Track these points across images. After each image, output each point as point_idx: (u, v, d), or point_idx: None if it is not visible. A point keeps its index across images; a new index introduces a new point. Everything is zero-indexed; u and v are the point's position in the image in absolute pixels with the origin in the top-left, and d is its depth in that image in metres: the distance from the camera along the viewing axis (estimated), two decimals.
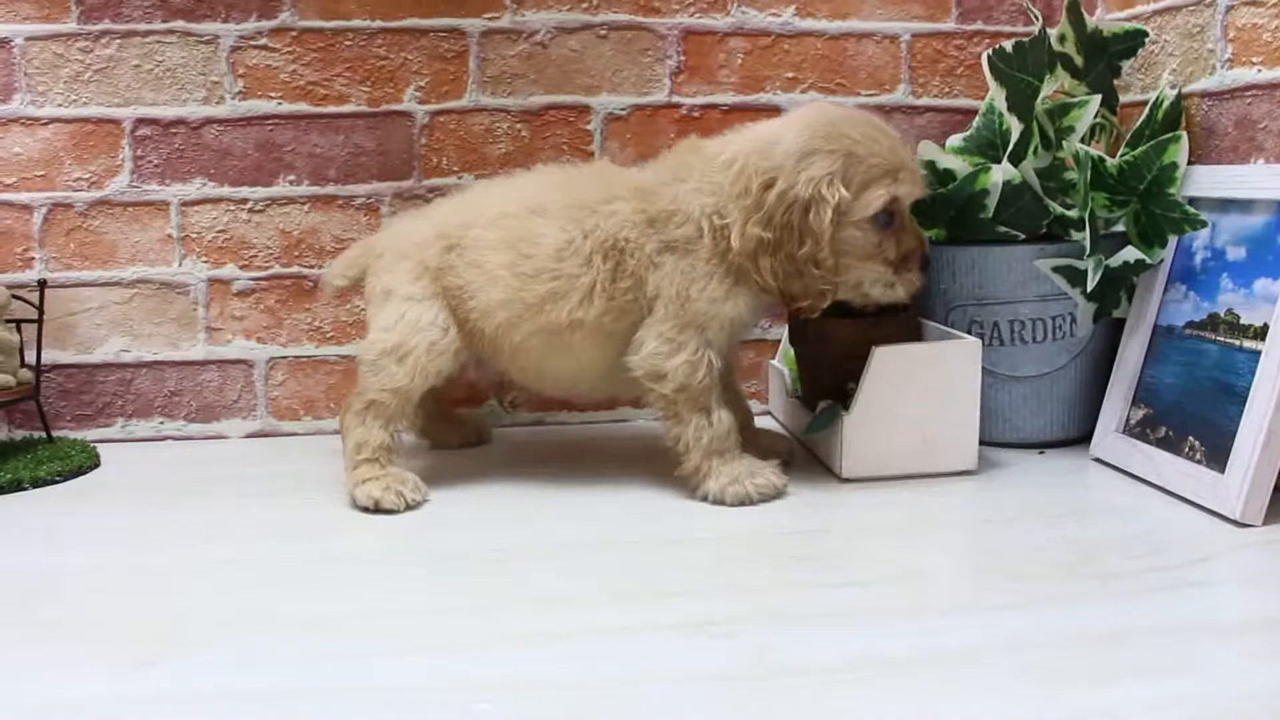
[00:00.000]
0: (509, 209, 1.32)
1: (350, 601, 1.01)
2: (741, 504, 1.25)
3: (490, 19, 1.59)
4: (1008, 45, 1.37)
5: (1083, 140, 1.41)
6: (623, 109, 1.63)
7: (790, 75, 1.65)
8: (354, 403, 1.33)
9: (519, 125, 1.61)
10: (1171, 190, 1.31)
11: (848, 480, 1.35)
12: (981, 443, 1.43)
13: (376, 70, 1.58)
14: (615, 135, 1.63)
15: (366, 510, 1.25)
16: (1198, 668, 0.85)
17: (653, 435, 1.47)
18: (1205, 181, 1.35)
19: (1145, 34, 1.47)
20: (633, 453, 1.51)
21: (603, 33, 1.61)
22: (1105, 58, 1.47)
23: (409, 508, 1.26)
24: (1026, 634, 0.92)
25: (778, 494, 1.27)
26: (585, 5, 1.60)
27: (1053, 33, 1.43)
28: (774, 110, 1.64)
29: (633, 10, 1.61)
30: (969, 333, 1.42)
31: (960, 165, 1.41)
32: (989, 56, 1.37)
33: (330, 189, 1.59)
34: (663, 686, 0.83)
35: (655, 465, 1.37)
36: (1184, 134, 1.31)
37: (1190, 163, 1.38)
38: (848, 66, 1.66)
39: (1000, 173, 1.36)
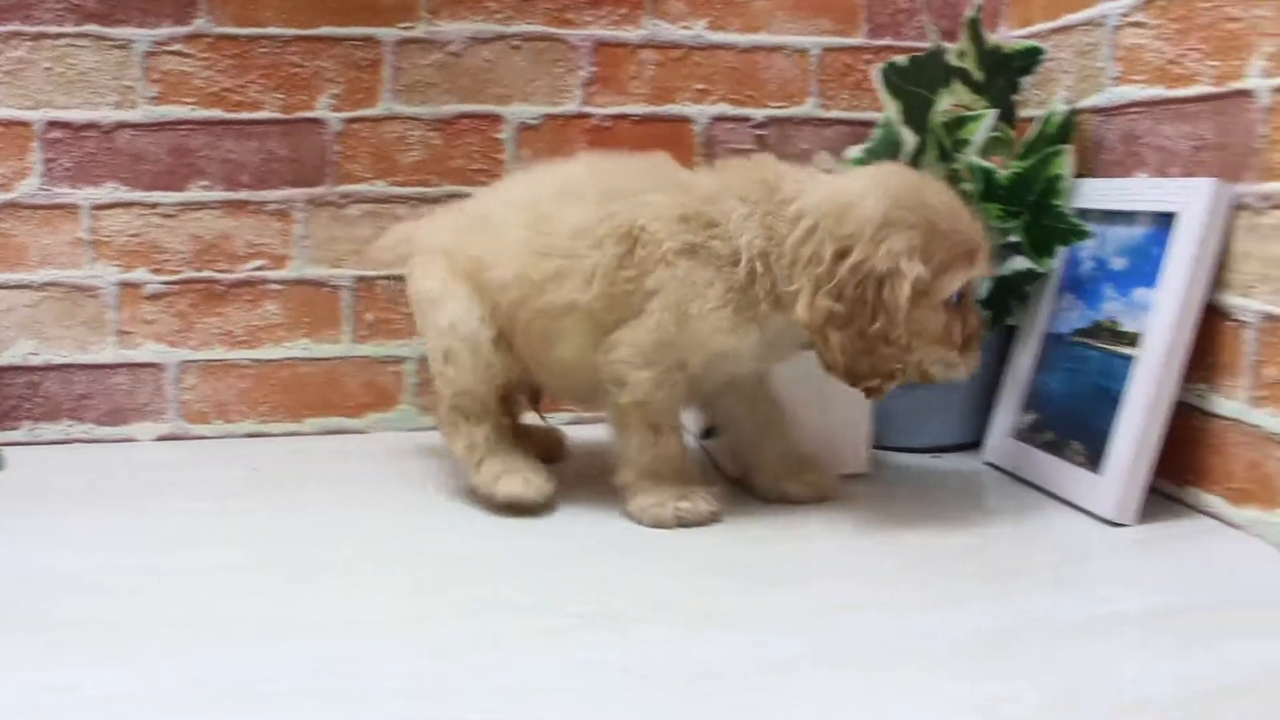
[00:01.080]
0: (542, 192, 1.27)
1: (285, 607, 1.02)
2: (657, 527, 1.20)
3: (405, 29, 1.60)
4: (902, 60, 1.41)
5: (981, 153, 1.44)
6: (535, 119, 1.65)
7: (701, 87, 1.68)
8: (440, 411, 1.31)
9: (432, 134, 1.63)
10: (1058, 202, 1.34)
11: (736, 480, 1.38)
12: (879, 447, 1.46)
13: (291, 78, 1.59)
14: (528, 144, 1.65)
15: (508, 504, 1.24)
16: (1072, 662, 0.88)
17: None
18: (1094, 194, 1.38)
19: (1042, 51, 1.51)
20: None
21: (516, 44, 1.63)
22: (1006, 74, 1.51)
23: (548, 500, 1.25)
24: (911, 632, 0.94)
25: (701, 521, 1.21)
26: (499, 16, 1.62)
27: (953, 48, 1.47)
28: (684, 122, 1.67)
29: (546, 22, 1.63)
30: None
31: None
32: (882, 70, 1.40)
33: (243, 194, 1.60)
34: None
35: None
36: (1069, 148, 1.35)
37: (1083, 176, 1.42)
38: (758, 79, 1.69)
39: None
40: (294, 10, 1.58)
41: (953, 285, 1.15)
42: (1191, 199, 1.21)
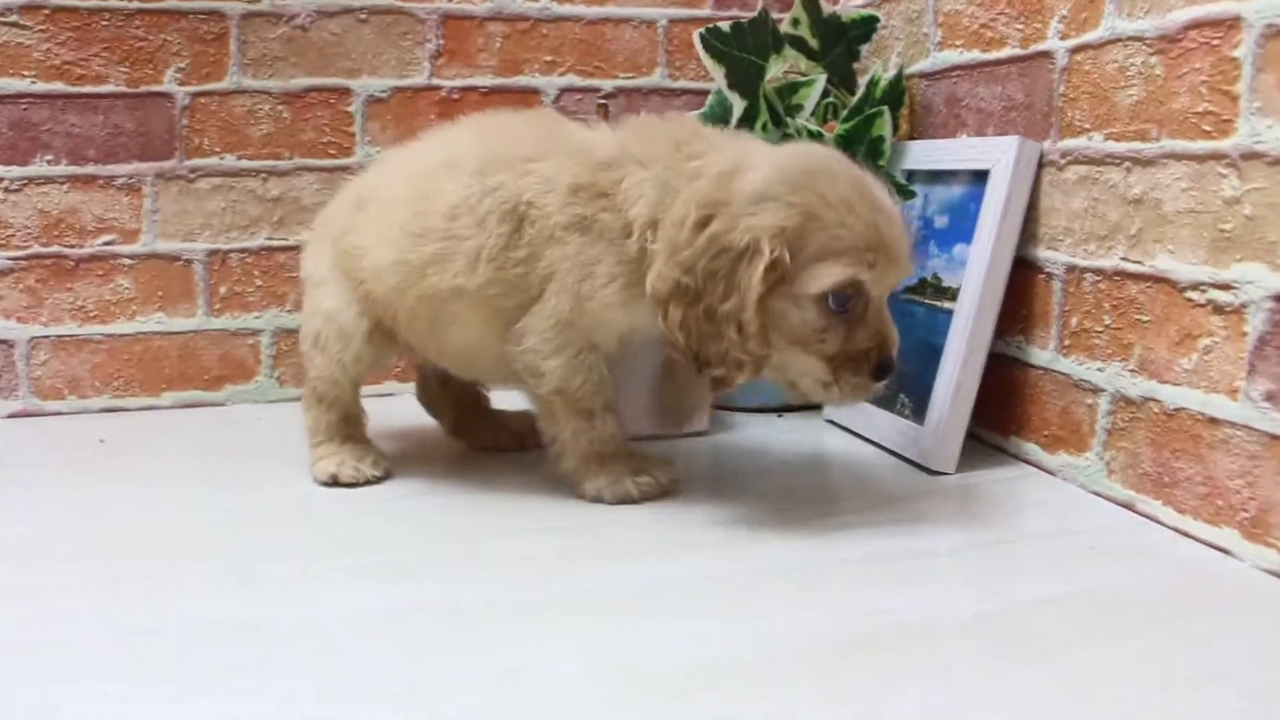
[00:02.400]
0: (425, 162, 1.18)
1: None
2: (623, 503, 1.15)
3: (250, 3, 1.59)
4: (724, 25, 1.42)
5: (817, 118, 1.46)
6: (383, 91, 1.64)
7: (549, 59, 1.68)
8: (305, 388, 1.28)
9: (281, 107, 1.61)
10: (881, 163, 1.37)
11: None
12: (724, 408, 1.48)
13: (135, 51, 1.57)
14: (376, 117, 1.64)
15: (326, 485, 1.22)
16: (864, 592, 0.92)
17: None
18: (921, 155, 1.41)
19: (878, 20, 1.53)
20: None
21: (363, 17, 1.62)
22: (845, 41, 1.53)
23: (368, 481, 1.23)
24: (732, 569, 0.98)
25: (664, 492, 1.17)
26: None
27: (787, 16, 1.48)
28: (533, 93, 1.68)
29: None
30: None
31: None
32: (701, 35, 1.41)
33: (90, 169, 1.57)
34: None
35: None
36: (886, 109, 1.37)
37: (914, 138, 1.45)
38: (605, 50, 1.69)
39: None
40: None
41: (825, 279, 1.00)
42: (1000, 157, 1.23)
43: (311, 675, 0.78)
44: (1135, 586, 0.93)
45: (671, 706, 0.73)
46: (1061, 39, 1.19)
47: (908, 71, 1.47)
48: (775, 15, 1.47)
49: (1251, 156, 0.96)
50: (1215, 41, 0.99)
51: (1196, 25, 1.01)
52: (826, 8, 1.51)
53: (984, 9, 1.32)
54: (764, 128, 1.42)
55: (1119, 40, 1.11)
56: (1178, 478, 1.05)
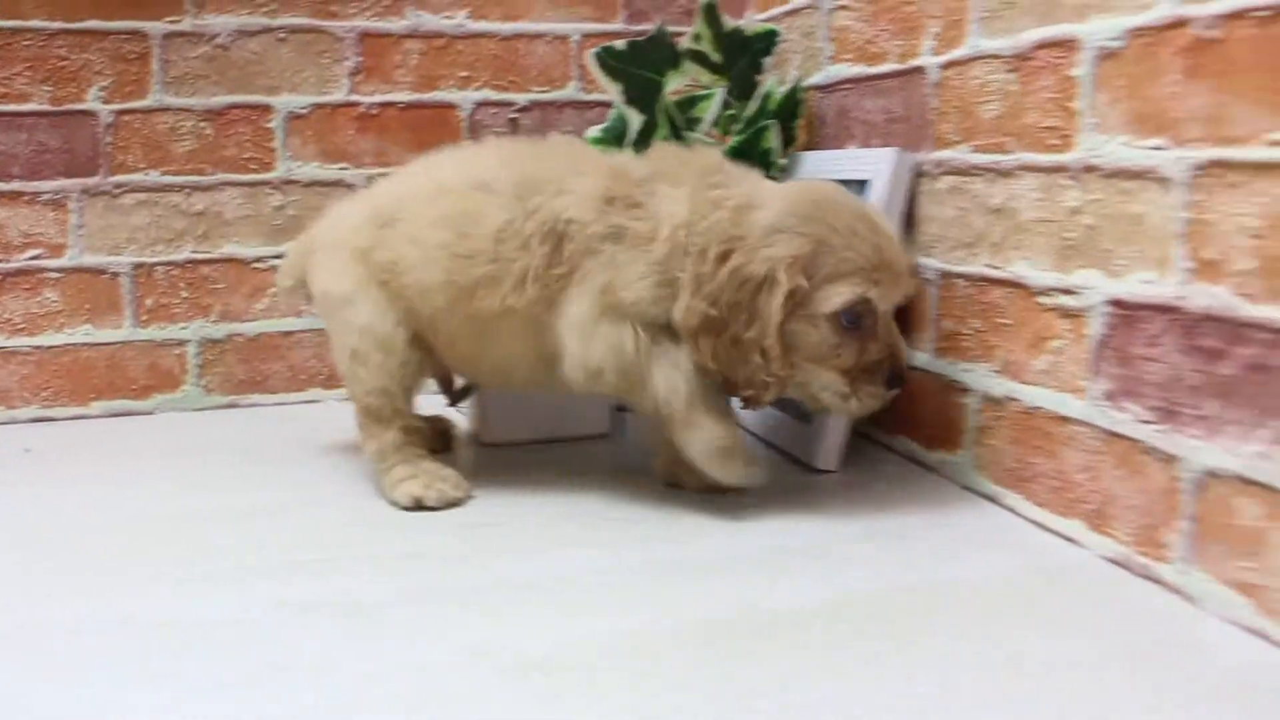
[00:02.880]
0: (451, 183, 1.20)
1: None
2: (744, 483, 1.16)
3: (172, 22, 1.62)
4: (620, 44, 1.46)
5: (722, 131, 1.50)
6: (304, 108, 1.68)
7: (465, 74, 1.72)
8: (356, 412, 1.25)
9: (203, 124, 1.65)
10: (772, 174, 1.41)
11: (489, 444, 1.43)
12: (623, 409, 1.52)
13: (58, 70, 1.60)
14: (297, 133, 1.67)
15: (409, 509, 1.19)
16: (756, 582, 0.98)
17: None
18: (816, 165, 1.45)
19: (778, 33, 1.57)
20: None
21: (282, 36, 1.66)
22: (748, 55, 1.57)
23: (450, 505, 1.20)
24: (616, 563, 1.03)
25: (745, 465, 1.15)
26: (265, 10, 1.64)
27: (689, 31, 1.53)
28: (449, 108, 1.72)
29: (311, 14, 1.66)
30: None
31: None
32: (596, 54, 1.46)
33: (15, 185, 1.60)
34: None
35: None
36: (774, 123, 1.41)
37: (810, 148, 1.50)
38: (520, 66, 1.73)
39: None
40: (57, 4, 1.59)
41: (836, 299, 1.06)
42: (879, 168, 1.28)
43: (204, 666, 0.82)
44: (991, 575, 0.99)
45: (540, 693, 0.77)
46: (934, 55, 1.24)
47: (805, 84, 1.51)
48: (679, 28, 1.51)
49: (1090, 170, 1.01)
50: (1059, 61, 1.04)
51: (1044, 45, 1.06)
52: (729, 22, 1.55)
53: (869, 25, 1.37)
54: (664, 140, 1.47)
55: (981, 58, 1.16)
56: (1035, 473, 1.10)
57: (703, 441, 1.13)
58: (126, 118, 1.62)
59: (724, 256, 1.07)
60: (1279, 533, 0.83)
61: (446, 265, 1.17)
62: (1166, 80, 0.92)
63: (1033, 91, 1.08)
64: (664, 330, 1.12)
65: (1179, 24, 0.91)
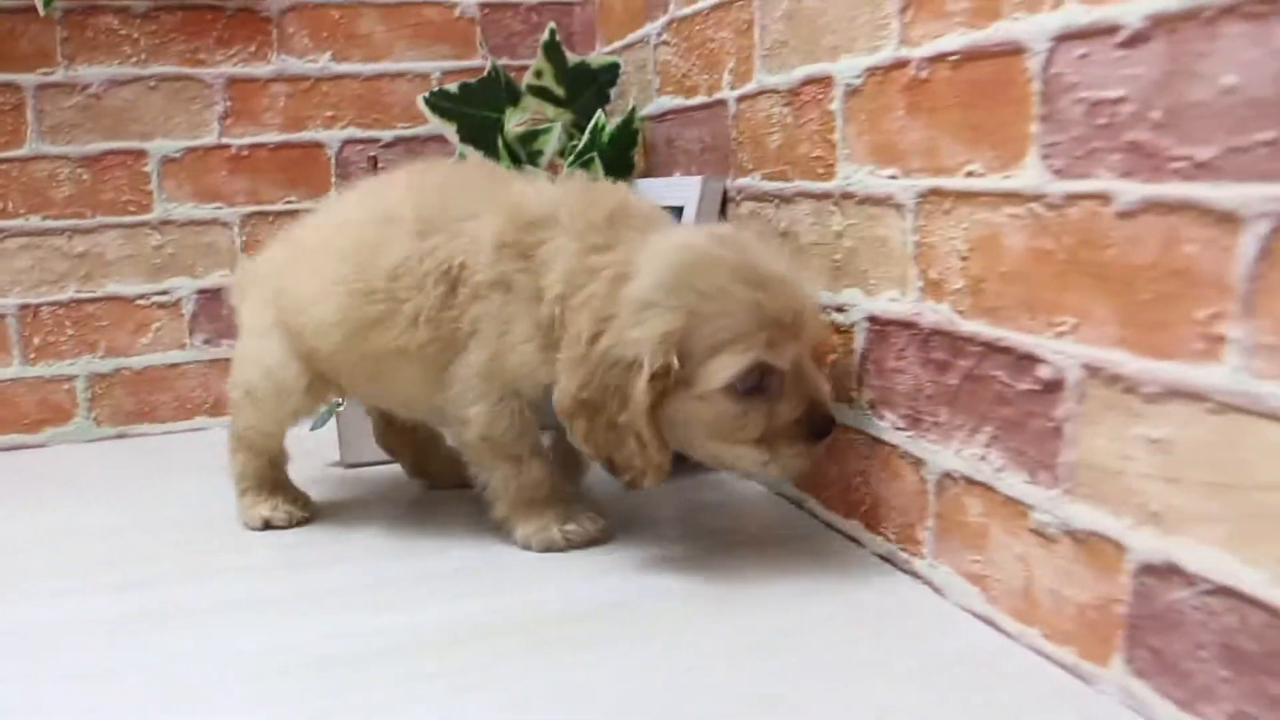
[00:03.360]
0: (359, 214, 1.17)
1: None
2: (548, 550, 1.14)
3: (44, 74, 1.67)
4: (451, 87, 1.54)
5: (570, 161, 1.57)
6: (176, 152, 1.74)
7: (330, 114, 1.78)
8: (231, 433, 1.28)
9: (80, 170, 1.71)
10: None
11: (351, 466, 1.49)
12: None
13: None
14: (172, 175, 1.73)
15: (258, 530, 1.25)
16: (499, 590, 1.03)
17: None
18: (648, 192, 1.52)
19: (619, 65, 1.65)
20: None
21: (152, 84, 1.72)
22: (595, 87, 1.65)
23: (299, 523, 1.25)
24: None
25: (592, 540, 1.15)
26: (134, 60, 1.70)
27: (530, 67, 1.60)
28: (317, 146, 1.78)
29: (180, 63, 1.72)
30: None
31: None
32: (425, 99, 1.53)
33: None
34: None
35: None
36: (596, 155, 1.48)
37: (647, 176, 1.57)
38: (383, 104, 1.80)
39: None
40: None
41: (723, 372, 0.97)
42: (689, 194, 1.35)
43: (44, 663, 0.91)
44: (790, 566, 1.07)
45: (334, 684, 0.85)
46: (731, 89, 1.31)
47: (642, 114, 1.58)
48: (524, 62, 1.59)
49: (847, 196, 1.08)
50: (820, 96, 1.12)
51: (809, 81, 1.13)
52: (573, 57, 1.62)
53: (684, 60, 1.44)
54: None
55: (765, 92, 1.23)
56: (828, 478, 1.17)
57: (525, 537, 1.15)
58: (4, 166, 1.68)
59: (595, 338, 1.00)
60: (998, 528, 0.90)
61: (342, 302, 1.14)
62: (894, 116, 0.99)
63: (804, 124, 1.15)
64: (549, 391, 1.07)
65: (901, 64, 0.98)
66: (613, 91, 1.67)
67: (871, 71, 1.02)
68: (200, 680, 0.89)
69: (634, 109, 1.58)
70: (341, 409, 1.46)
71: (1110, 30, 0.74)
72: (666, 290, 0.98)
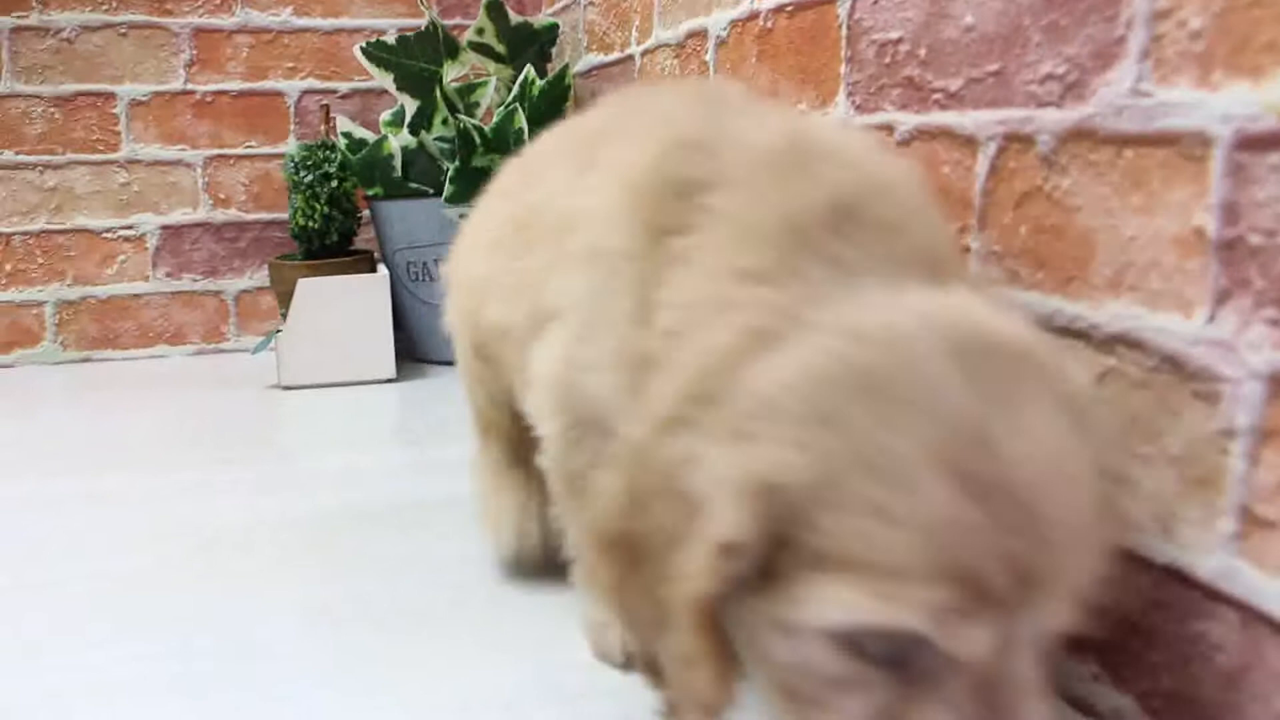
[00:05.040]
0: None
1: None
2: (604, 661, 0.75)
3: (19, 17, 1.76)
4: (389, 38, 1.61)
5: (496, 114, 1.65)
6: (144, 96, 1.82)
7: (291, 65, 1.86)
8: None
9: (53, 109, 1.79)
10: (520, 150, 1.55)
11: (288, 388, 1.58)
12: (419, 359, 1.67)
13: None
14: (139, 118, 1.81)
15: None
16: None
17: None
18: None
19: (558, 26, 1.72)
20: None
21: (123, 31, 1.80)
22: (536, 46, 1.72)
23: None
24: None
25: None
26: (106, 7, 1.78)
27: (473, 25, 1.68)
28: (277, 95, 1.86)
29: (148, 11, 1.80)
30: (407, 271, 1.66)
31: (370, 135, 1.64)
32: (362, 49, 1.60)
33: None
34: None
35: None
36: (518, 106, 1.56)
37: None
38: (341, 58, 1.88)
39: (397, 141, 1.60)
40: None
41: (829, 610, 0.45)
42: None
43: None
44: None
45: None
46: (637, 44, 1.38)
47: (576, 71, 1.66)
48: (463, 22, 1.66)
49: None
50: (698, 49, 1.19)
51: (692, 35, 1.21)
52: (516, 17, 1.70)
53: (604, 19, 1.51)
54: (443, 122, 1.61)
55: (661, 46, 1.30)
56: None
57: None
58: None
59: (666, 429, 0.51)
60: None
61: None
62: (749, 63, 1.07)
63: (687, 74, 1.23)
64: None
65: (754, 17, 1.05)
66: (554, 51, 1.74)
67: (734, 24, 1.10)
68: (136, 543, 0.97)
69: (566, 66, 1.65)
70: (281, 332, 1.54)
71: None
72: (810, 405, 0.46)
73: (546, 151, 0.81)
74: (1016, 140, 0.69)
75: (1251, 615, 0.54)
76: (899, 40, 0.81)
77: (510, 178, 0.85)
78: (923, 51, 0.78)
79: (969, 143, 0.74)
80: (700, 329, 0.54)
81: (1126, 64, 0.60)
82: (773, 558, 0.46)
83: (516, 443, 0.86)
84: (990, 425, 0.44)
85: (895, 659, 0.46)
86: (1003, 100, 0.71)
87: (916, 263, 0.54)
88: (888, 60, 0.83)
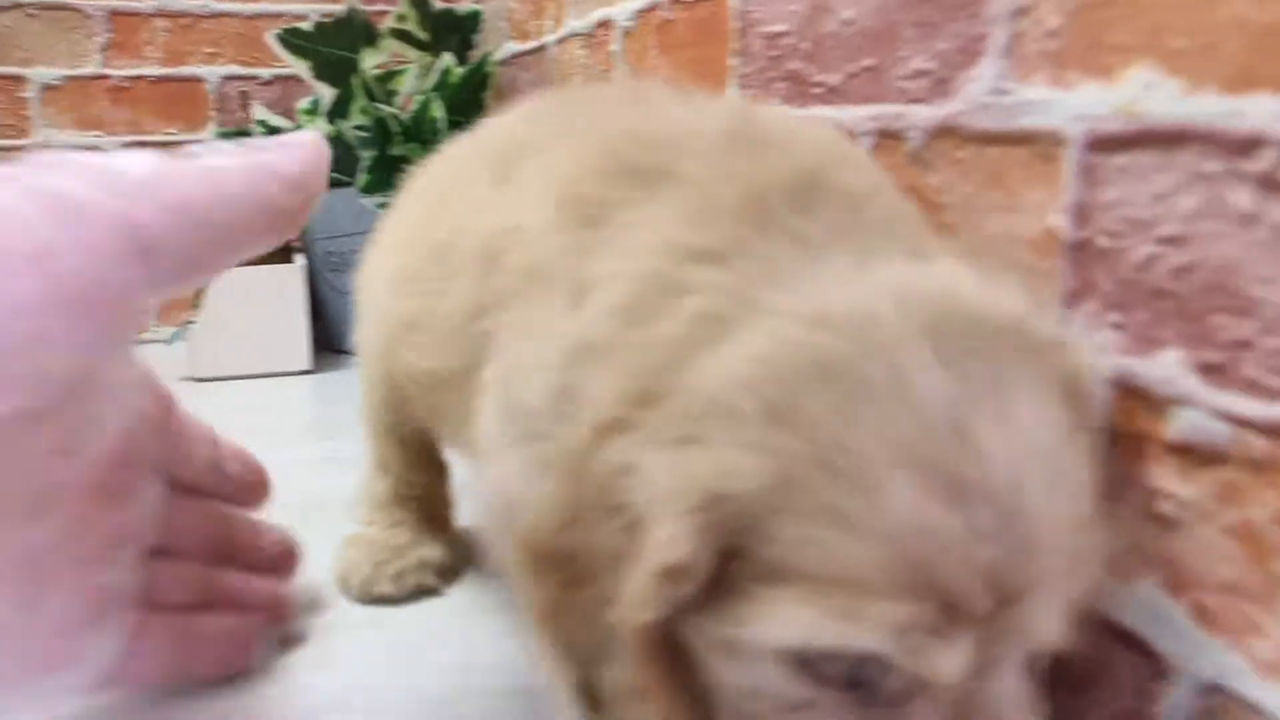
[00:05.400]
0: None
1: None
2: None
3: None
4: (306, 25, 1.58)
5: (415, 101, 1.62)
6: (58, 80, 1.77)
7: (210, 51, 1.82)
8: None
9: None
10: (438, 139, 1.53)
11: (201, 380, 1.55)
12: (337, 350, 1.65)
13: None
14: (52, 103, 1.77)
15: None
16: None
17: None
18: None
19: (480, 13, 1.70)
20: None
21: (33, 13, 1.75)
22: (460, 34, 1.70)
23: None
24: None
25: None
26: None
27: (393, 11, 1.65)
28: (197, 81, 1.82)
29: None
30: (328, 261, 1.63)
31: (287, 124, 1.61)
32: (277, 36, 1.57)
33: None
34: None
35: None
36: (436, 95, 1.53)
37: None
38: (261, 43, 1.83)
39: (313, 129, 1.57)
40: None
41: (782, 629, 0.41)
42: None
43: None
44: None
45: None
46: (552, 34, 1.36)
47: (496, 59, 1.63)
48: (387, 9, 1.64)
49: None
50: (605, 38, 1.17)
51: (601, 24, 1.19)
52: (438, 4, 1.67)
53: (522, 5, 1.49)
54: (362, 111, 1.59)
55: (573, 35, 1.29)
56: None
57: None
58: None
59: (604, 434, 0.44)
60: None
61: None
62: (651, 55, 1.05)
63: (597, 64, 1.21)
64: None
65: (655, 7, 1.04)
66: (477, 38, 1.71)
67: (639, 14, 1.08)
68: None
69: (487, 54, 1.63)
70: (193, 324, 1.51)
71: None
72: (765, 402, 0.40)
73: (463, 163, 0.74)
74: (889, 136, 0.68)
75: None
76: (785, 33, 0.80)
77: (426, 194, 0.77)
78: (806, 45, 0.77)
79: (848, 137, 0.73)
80: (645, 316, 0.48)
81: (988, 61, 0.59)
82: (722, 571, 0.41)
83: (408, 483, 0.85)
84: (969, 417, 0.39)
85: (858, 681, 0.41)
86: (876, 96, 0.69)
87: (889, 233, 0.49)
88: (775, 53, 0.81)
